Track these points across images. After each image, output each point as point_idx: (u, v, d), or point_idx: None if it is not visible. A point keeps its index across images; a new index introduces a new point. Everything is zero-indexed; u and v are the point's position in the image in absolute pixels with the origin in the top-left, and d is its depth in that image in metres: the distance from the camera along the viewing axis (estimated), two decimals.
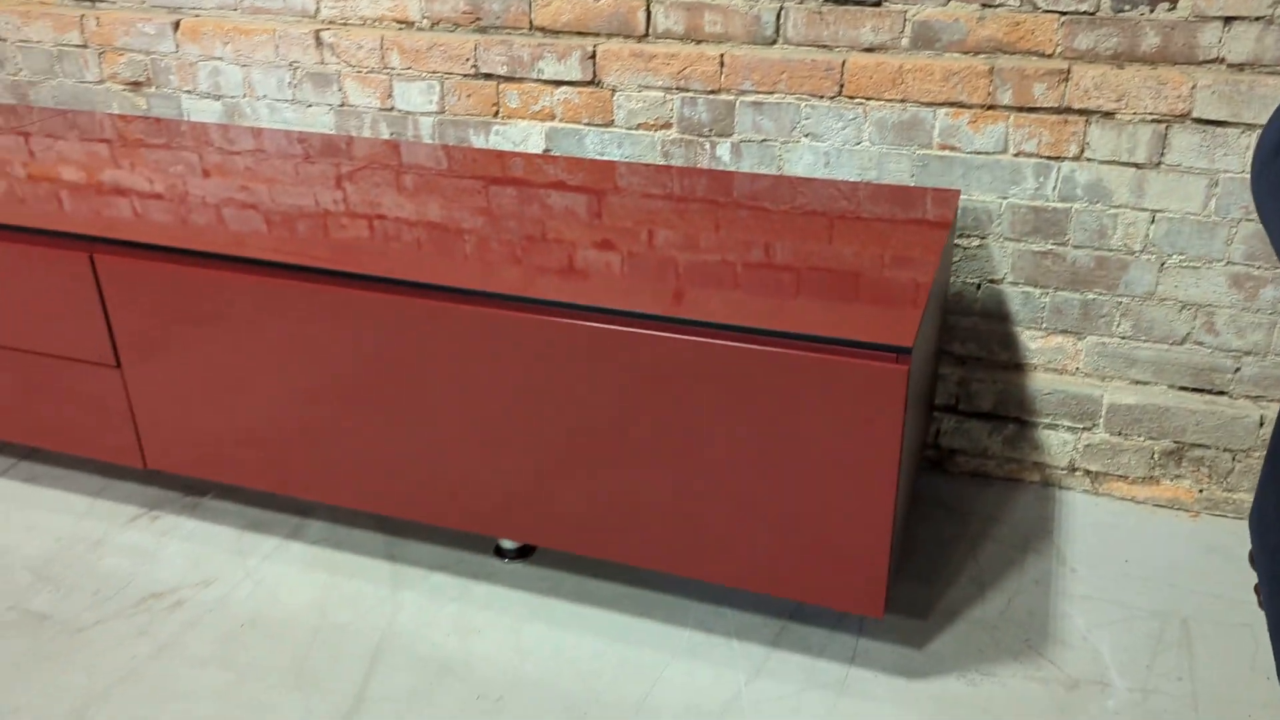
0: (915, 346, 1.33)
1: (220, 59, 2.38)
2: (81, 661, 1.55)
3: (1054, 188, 1.86)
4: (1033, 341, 1.97)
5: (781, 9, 1.95)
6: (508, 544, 1.79)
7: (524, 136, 2.21)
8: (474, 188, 1.91)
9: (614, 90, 2.10)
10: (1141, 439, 1.94)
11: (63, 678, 1.52)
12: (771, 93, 1.99)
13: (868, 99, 1.92)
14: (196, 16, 2.38)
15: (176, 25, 2.40)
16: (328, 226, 1.71)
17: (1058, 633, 1.61)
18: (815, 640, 1.60)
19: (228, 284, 1.61)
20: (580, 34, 2.10)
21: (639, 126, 2.11)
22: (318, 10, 2.30)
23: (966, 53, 1.85)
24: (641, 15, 2.05)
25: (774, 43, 1.98)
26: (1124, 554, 1.80)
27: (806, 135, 1.99)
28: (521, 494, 1.59)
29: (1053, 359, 1.97)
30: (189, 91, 2.45)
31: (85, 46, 2.50)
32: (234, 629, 1.62)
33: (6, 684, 1.51)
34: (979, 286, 1.98)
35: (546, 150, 2.19)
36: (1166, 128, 1.77)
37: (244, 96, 2.41)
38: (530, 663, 1.56)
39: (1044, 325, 1.95)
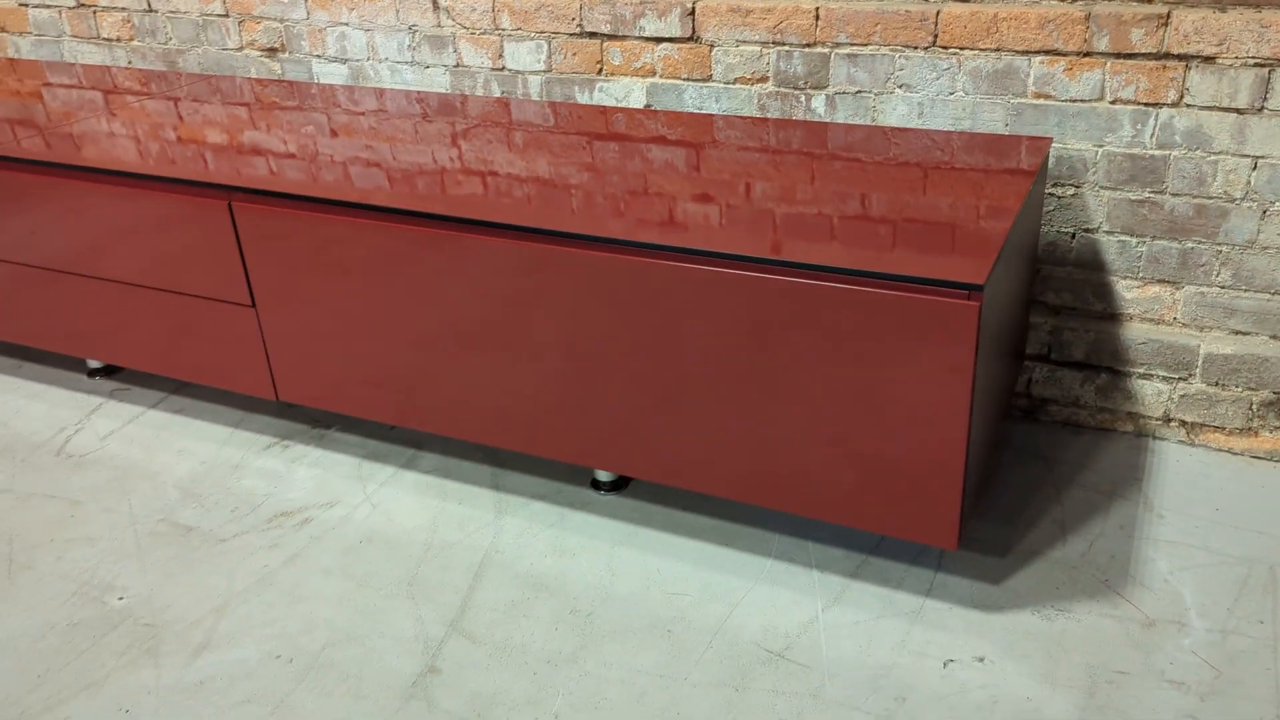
0: (989, 285, 1.37)
1: (347, 24, 2.54)
2: (223, 567, 1.73)
3: (1152, 135, 1.85)
4: (1128, 291, 1.97)
5: None
6: (603, 476, 1.90)
7: (626, 92, 2.29)
8: (580, 142, 2.01)
9: (712, 45, 2.16)
10: (1240, 389, 1.92)
11: (207, 580, 1.71)
12: (866, 44, 2.02)
13: (961, 49, 1.94)
14: None
15: None
16: (445, 178, 1.84)
17: (1139, 575, 1.64)
18: (893, 573, 1.66)
19: (354, 230, 1.75)
20: None
21: (736, 81, 2.17)
22: None
23: (1062, 0, 1.85)
24: None
25: None
26: (1215, 502, 1.80)
27: (900, 86, 2.02)
28: (617, 427, 1.69)
29: (1149, 309, 1.96)
30: (318, 56, 2.62)
31: (226, 15, 2.69)
32: (353, 544, 1.78)
33: (161, 583, 1.70)
34: (1073, 236, 1.98)
35: (648, 105, 2.27)
36: (1270, 72, 1.74)
37: (368, 59, 2.56)
38: (620, 583, 1.67)
39: (1140, 274, 1.95)
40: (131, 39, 2.86)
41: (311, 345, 1.91)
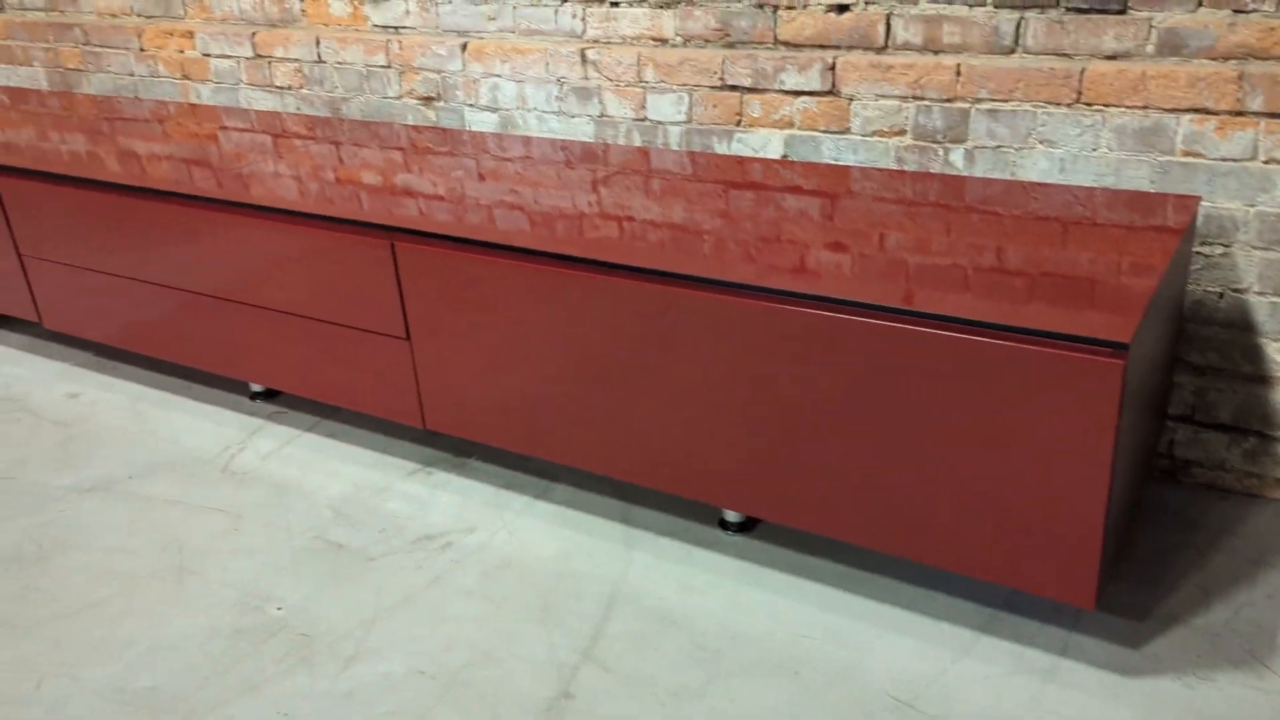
0: (1134, 344, 1.37)
1: (499, 76, 2.68)
2: (371, 584, 1.83)
3: None
4: (1278, 354, 1.91)
5: (1021, 19, 2.00)
6: (731, 517, 1.94)
7: (763, 143, 2.36)
8: (717, 190, 2.08)
9: (851, 99, 2.21)
10: None
11: (357, 596, 1.81)
12: (1007, 100, 2.04)
13: (1107, 106, 1.94)
14: (481, 39, 2.69)
15: (464, 47, 2.71)
16: (586, 222, 1.93)
17: None
18: (1025, 630, 1.65)
19: (503, 270, 1.85)
20: (821, 47, 2.22)
21: (874, 133, 2.21)
22: (584, 31, 2.54)
23: (1215, 59, 1.84)
24: (881, 28, 2.16)
25: (1012, 52, 2.03)
26: None
27: (1042, 142, 2.03)
28: (746, 468, 1.73)
29: None
30: (471, 105, 2.77)
31: (389, 67, 2.87)
32: (491, 569, 1.86)
33: (314, 596, 1.81)
34: (1221, 295, 1.94)
35: (784, 156, 2.33)
36: None
37: (517, 109, 2.69)
38: (746, 622, 1.70)
39: None
40: (301, 87, 3.07)
41: (458, 377, 2.01)
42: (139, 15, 3.36)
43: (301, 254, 2.11)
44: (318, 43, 2.97)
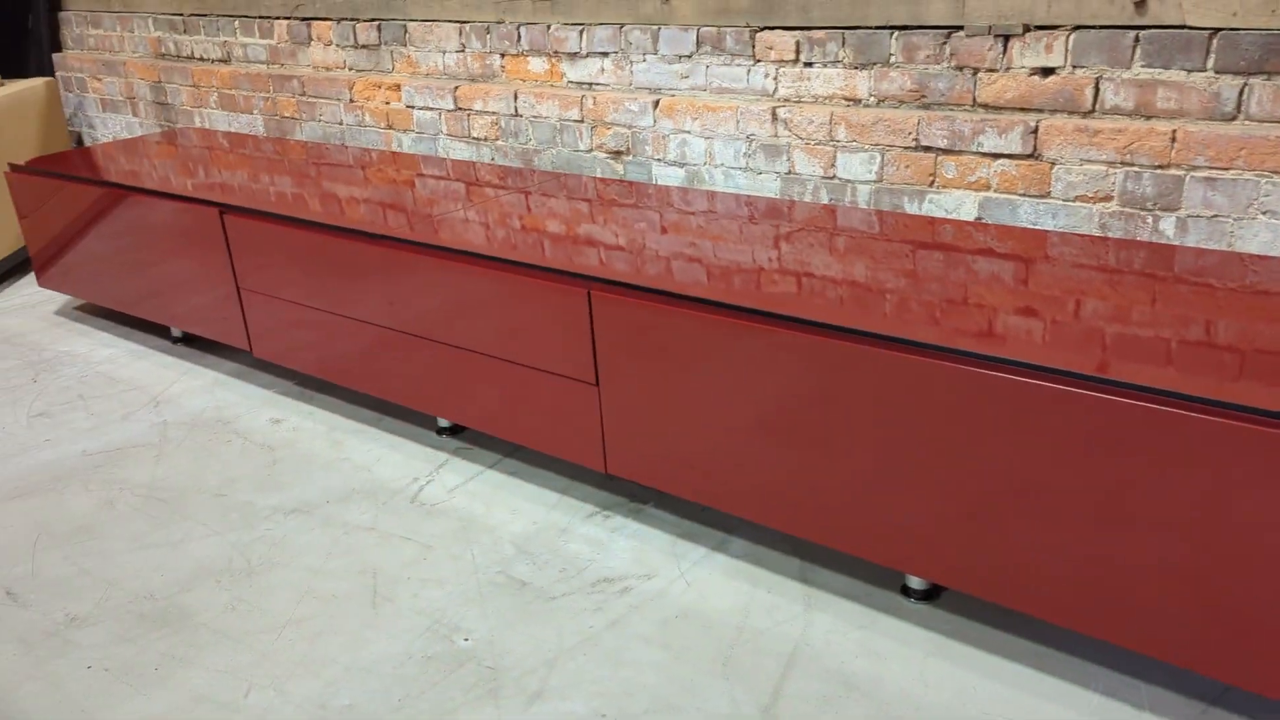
0: None
1: (688, 132, 2.74)
2: (553, 623, 1.87)
3: None
4: None
5: (1245, 85, 1.93)
6: (916, 583, 1.90)
7: (957, 205, 2.33)
8: (906, 249, 2.07)
9: (1053, 163, 2.17)
10: None
11: (539, 633, 1.85)
12: (1227, 169, 1.96)
13: None
14: (673, 96, 2.76)
15: (656, 104, 2.79)
16: (775, 277, 1.95)
17: None
18: None
19: (693, 322, 1.88)
20: (1023, 110, 2.19)
21: (1076, 199, 2.16)
22: (775, 90, 2.58)
23: None
24: (1089, 92, 2.11)
25: (1233, 119, 1.96)
26: None
27: (1264, 212, 1.94)
28: (935, 534, 1.70)
29: None
30: (659, 159, 2.84)
31: (581, 121, 2.98)
32: (670, 617, 1.88)
33: (500, 630, 1.86)
34: None
35: (978, 219, 2.30)
36: None
37: (704, 164, 2.75)
38: (933, 694, 1.65)
39: None
40: (497, 139, 3.22)
41: (642, 424, 2.05)
42: (351, 69, 3.59)
43: (498, 297, 2.20)
44: (515, 97, 3.11)
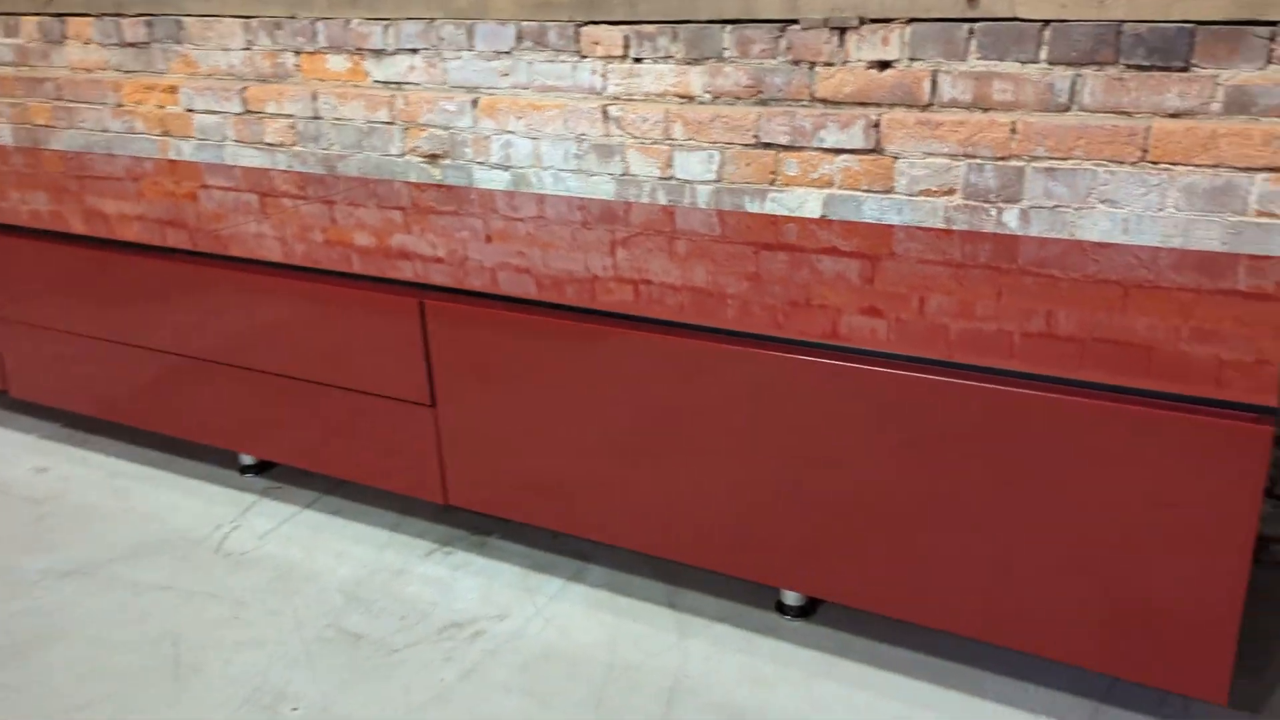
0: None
1: (513, 132, 2.56)
2: (398, 680, 1.63)
3: None
4: None
5: (1078, 76, 1.93)
6: (791, 599, 1.78)
7: (800, 203, 2.25)
8: (748, 250, 1.96)
9: (896, 157, 2.12)
10: None
11: (383, 693, 1.61)
12: (1066, 158, 1.96)
13: (1174, 164, 1.87)
14: (494, 95, 2.57)
15: (475, 103, 2.59)
16: (627, 279, 1.79)
17: None
18: None
19: (541, 329, 1.70)
20: (861, 105, 2.14)
21: (920, 193, 2.12)
22: (604, 87, 2.44)
23: None
24: (927, 85, 2.08)
25: (1067, 109, 1.96)
26: None
27: (1103, 201, 1.95)
28: (808, 545, 1.58)
29: None
30: (481, 163, 2.64)
31: (392, 123, 2.74)
32: (531, 660, 1.67)
33: (336, 694, 1.60)
34: None
35: (822, 216, 2.23)
36: None
37: (531, 167, 2.57)
38: (826, 718, 1.53)
39: None
40: (294, 144, 2.92)
41: (486, 447, 1.84)
42: (117, 69, 3.20)
43: (312, 314, 1.94)
44: (314, 98, 2.84)
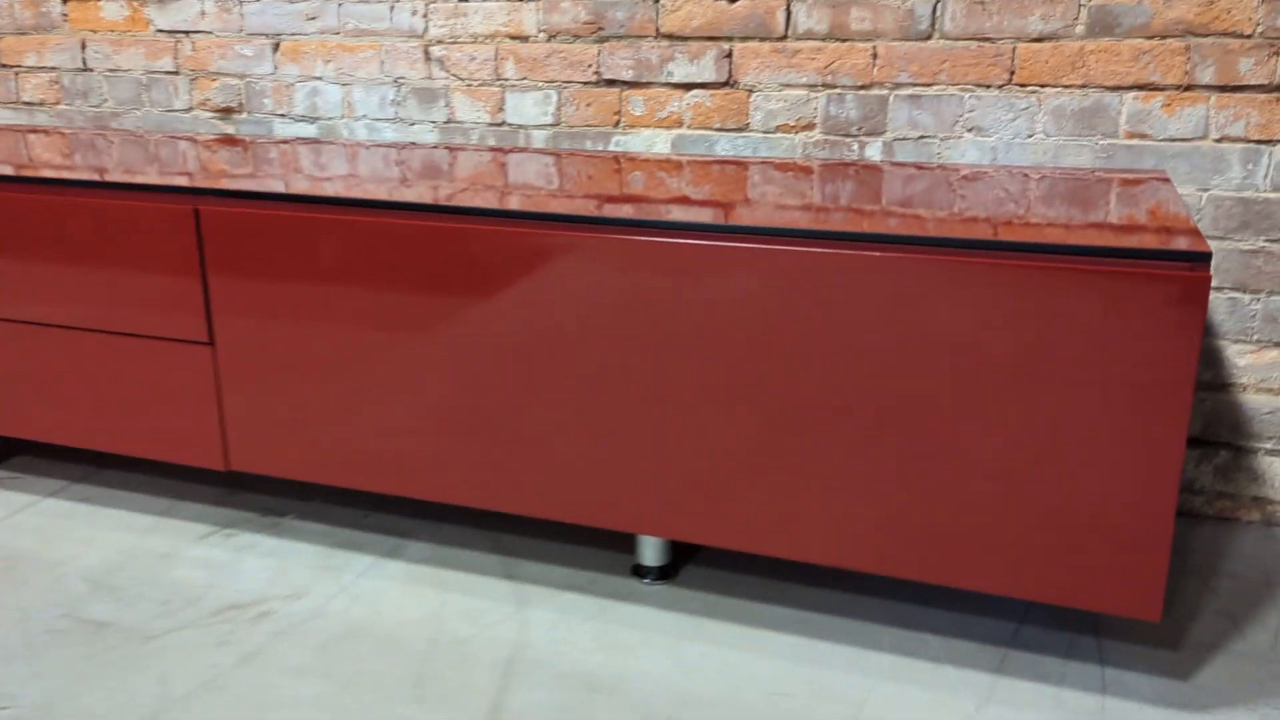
0: None
1: (320, 79, 2.26)
2: (153, 669, 1.26)
3: (1265, 175, 1.66)
4: (1241, 357, 1.73)
5: (938, 1, 1.81)
6: (649, 558, 1.50)
7: (648, 146, 2.04)
8: (577, 162, 1.73)
9: (751, 90, 1.94)
10: None
11: (129, 685, 1.23)
12: (931, 84, 1.82)
13: (1042, 86, 1.75)
14: (297, 38, 2.27)
15: (276, 46, 2.28)
16: (427, 183, 1.52)
17: None
18: (1049, 670, 1.30)
19: (345, 231, 1.40)
20: (711, 39, 1.96)
21: (778, 129, 1.94)
22: (425, 29, 2.18)
23: (1151, 38, 1.69)
24: (781, 15, 1.92)
25: (929, 37, 1.83)
26: None
27: (970, 130, 1.81)
28: (671, 480, 1.32)
29: (1265, 377, 1.71)
30: (283, 115, 2.32)
31: (176, 73, 2.39)
32: (332, 640, 1.33)
33: (65, 688, 1.21)
34: None
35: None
36: None
37: (341, 117, 2.27)
38: (699, 682, 1.25)
39: (1255, 337, 1.71)
40: (58, 102, 2.52)
41: (278, 394, 1.51)
42: None
43: (42, 230, 1.56)
44: (83, 47, 2.45)
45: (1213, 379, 1.74)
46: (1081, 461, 1.15)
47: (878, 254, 1.17)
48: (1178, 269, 1.06)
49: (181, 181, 1.52)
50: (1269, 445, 1.72)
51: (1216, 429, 1.74)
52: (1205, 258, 1.07)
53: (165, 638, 1.33)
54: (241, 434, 1.55)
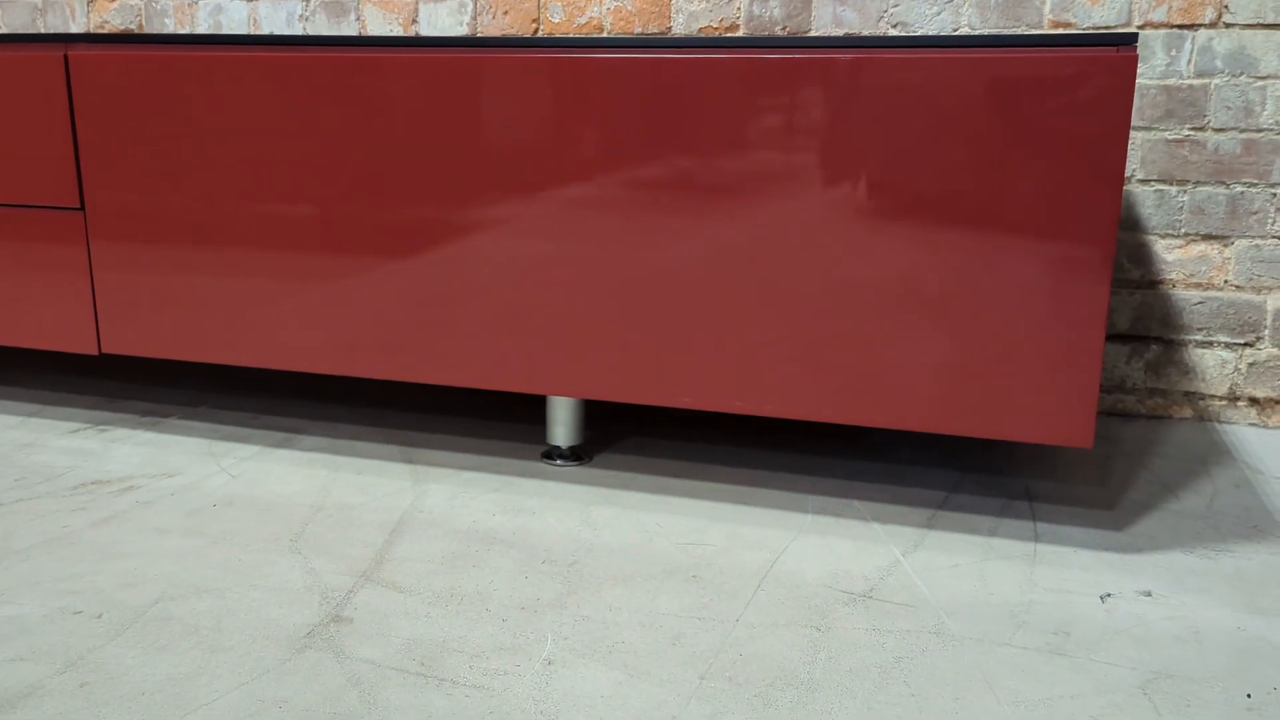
0: None
1: None
2: None
3: (1188, 61, 1.63)
4: (1169, 252, 1.69)
5: None
6: (559, 438, 1.40)
7: None
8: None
9: None
10: None
11: None
12: None
13: None
14: None
15: None
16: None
17: None
18: (980, 525, 1.22)
19: (236, 68, 1.29)
20: None
21: (701, 31, 1.88)
22: None
23: None
24: None
25: None
26: None
27: (895, 25, 1.77)
28: (573, 331, 1.23)
29: (1194, 271, 1.68)
30: (182, 33, 2.21)
31: None
32: (204, 507, 1.21)
33: None
34: None
35: None
36: None
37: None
38: (607, 536, 1.15)
39: (1183, 230, 1.67)
40: None
41: (157, 264, 1.39)
42: None
43: None
44: None
45: (1141, 276, 1.70)
46: (1008, 276, 1.08)
47: (819, 56, 1.10)
48: (1105, 52, 1.01)
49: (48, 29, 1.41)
50: (1198, 338, 1.68)
51: (1147, 323, 1.70)
52: (1131, 39, 1.01)
53: (14, 506, 1.20)
54: (114, 312, 1.42)
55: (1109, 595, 1.03)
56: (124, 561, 1.05)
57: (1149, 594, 1.04)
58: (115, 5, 2.23)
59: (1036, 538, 1.18)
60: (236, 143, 1.31)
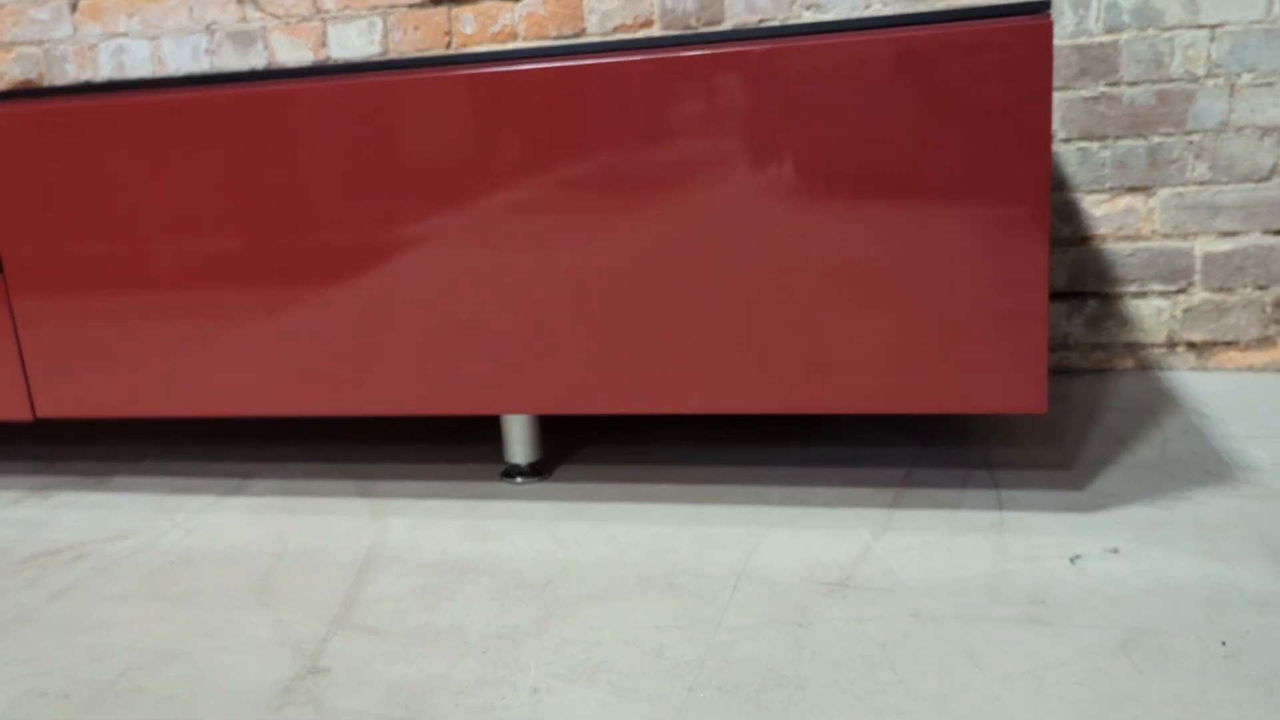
0: None
1: (125, 34, 2.10)
2: None
3: (1097, 18, 1.66)
4: (1096, 208, 1.72)
5: None
6: (517, 455, 1.39)
7: None
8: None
9: None
10: (1249, 289, 1.67)
11: None
12: None
13: None
14: None
15: (74, 6, 2.12)
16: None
17: (1243, 463, 1.28)
18: (943, 499, 1.23)
19: (115, 115, 1.26)
20: None
21: (615, 30, 1.87)
22: None
23: None
24: None
25: None
26: (1273, 404, 1.49)
27: (808, 9, 1.78)
28: (513, 351, 1.22)
29: (1123, 224, 1.71)
30: (88, 81, 2.15)
31: None
32: (162, 567, 1.18)
33: None
34: None
35: None
36: None
37: (152, 74, 2.11)
38: (578, 552, 1.15)
39: (1108, 184, 1.71)
40: None
41: (87, 319, 1.35)
42: None
43: None
44: None
45: (1071, 234, 1.73)
46: (947, 250, 1.09)
47: (734, 50, 1.10)
48: (1021, 21, 1.02)
49: None
50: (1133, 289, 1.71)
51: (1082, 279, 1.73)
52: (1045, 6, 1.02)
53: None
54: (45, 374, 1.38)
55: (1078, 557, 1.05)
56: (85, 635, 1.02)
57: (1116, 550, 1.06)
58: (13, 56, 2.16)
59: (1000, 505, 1.19)
60: (152, 187, 1.27)
